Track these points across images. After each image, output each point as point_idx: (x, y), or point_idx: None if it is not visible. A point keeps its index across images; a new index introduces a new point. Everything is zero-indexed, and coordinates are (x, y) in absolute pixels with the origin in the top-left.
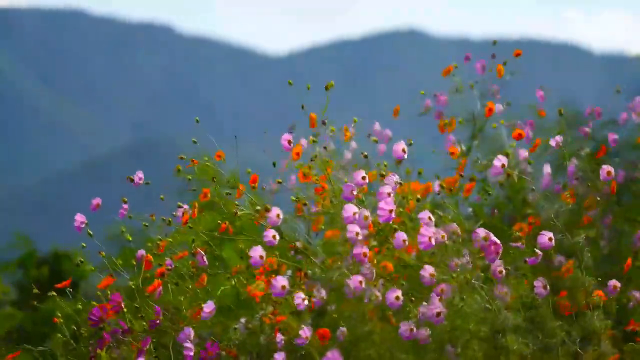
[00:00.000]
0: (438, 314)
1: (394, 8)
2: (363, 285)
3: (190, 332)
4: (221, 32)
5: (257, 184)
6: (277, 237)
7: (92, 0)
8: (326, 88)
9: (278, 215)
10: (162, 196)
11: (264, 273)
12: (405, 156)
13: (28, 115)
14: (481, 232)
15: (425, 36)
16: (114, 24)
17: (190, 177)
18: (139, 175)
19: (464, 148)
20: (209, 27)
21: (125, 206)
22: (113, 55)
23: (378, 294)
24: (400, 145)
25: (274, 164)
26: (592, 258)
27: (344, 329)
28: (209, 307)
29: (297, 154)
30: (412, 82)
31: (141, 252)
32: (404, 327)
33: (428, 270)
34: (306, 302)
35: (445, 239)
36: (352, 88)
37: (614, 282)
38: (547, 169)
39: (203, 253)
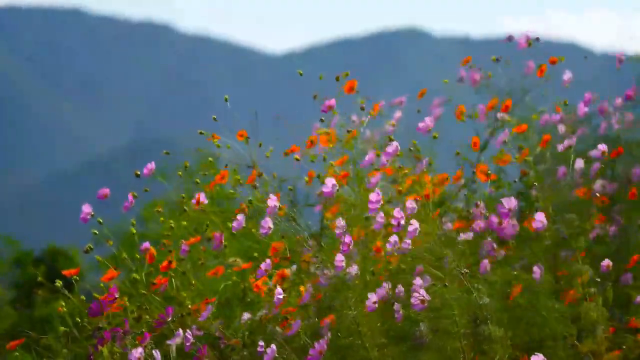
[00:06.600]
0: (422, 301)
1: (395, 7)
2: (343, 264)
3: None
4: (221, 31)
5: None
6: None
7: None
8: (337, 79)
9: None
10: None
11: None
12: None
13: (28, 115)
14: (509, 202)
15: (426, 35)
16: (114, 23)
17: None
18: (149, 167)
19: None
20: (208, 26)
21: (131, 199)
22: (113, 54)
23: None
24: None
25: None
26: (599, 254)
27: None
28: (207, 310)
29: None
30: (413, 81)
31: (146, 244)
32: (371, 299)
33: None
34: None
35: None
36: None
37: (607, 262)
38: (578, 163)
39: (220, 236)
